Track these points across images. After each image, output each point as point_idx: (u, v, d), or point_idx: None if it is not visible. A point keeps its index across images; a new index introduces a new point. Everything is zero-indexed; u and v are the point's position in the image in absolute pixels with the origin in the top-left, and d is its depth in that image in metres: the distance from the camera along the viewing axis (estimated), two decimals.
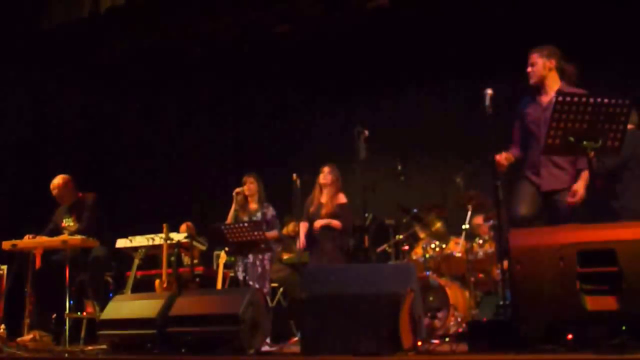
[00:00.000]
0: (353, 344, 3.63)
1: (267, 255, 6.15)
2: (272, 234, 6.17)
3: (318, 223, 6.11)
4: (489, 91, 4.29)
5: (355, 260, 6.55)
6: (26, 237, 5.75)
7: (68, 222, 6.04)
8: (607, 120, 3.62)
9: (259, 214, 6.22)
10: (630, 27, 6.54)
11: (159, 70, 8.41)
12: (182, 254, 7.16)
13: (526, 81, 4.53)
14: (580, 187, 4.23)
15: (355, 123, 5.36)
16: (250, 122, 9.07)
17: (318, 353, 3.73)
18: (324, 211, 6.15)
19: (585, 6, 6.71)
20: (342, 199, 6.19)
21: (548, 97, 4.40)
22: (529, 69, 4.47)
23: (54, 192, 6.11)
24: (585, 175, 4.21)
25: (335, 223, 6.08)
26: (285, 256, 6.97)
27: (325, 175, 6.19)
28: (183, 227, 7.15)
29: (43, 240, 5.73)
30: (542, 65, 4.42)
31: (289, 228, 6.89)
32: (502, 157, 4.36)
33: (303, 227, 6.17)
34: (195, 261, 7.12)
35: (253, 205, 6.30)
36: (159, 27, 7.73)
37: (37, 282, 5.76)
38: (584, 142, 3.64)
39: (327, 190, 6.21)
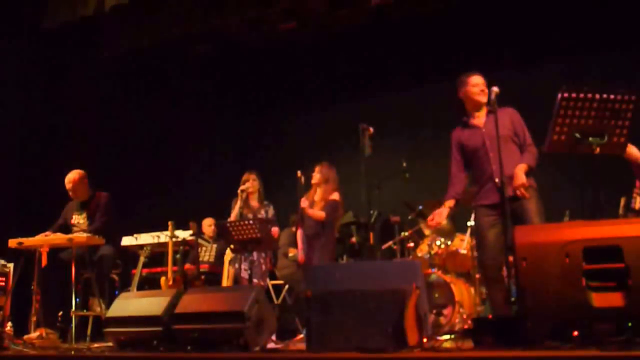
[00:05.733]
0: (358, 340, 3.63)
1: (269, 253, 6.18)
2: (275, 230, 6.19)
3: (306, 204, 6.09)
4: (495, 89, 4.29)
5: (360, 257, 6.54)
6: (41, 235, 5.74)
7: (78, 219, 6.06)
8: (612, 116, 3.62)
9: (262, 212, 6.23)
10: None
11: (164, 68, 8.42)
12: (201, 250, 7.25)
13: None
14: (519, 171, 4.25)
15: (360, 120, 5.35)
16: (254, 120, 9.08)
17: (323, 350, 3.74)
18: (315, 208, 6.14)
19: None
20: (333, 196, 6.13)
21: (481, 117, 4.57)
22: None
23: (69, 186, 6.07)
24: (522, 166, 4.27)
25: (318, 214, 6.02)
26: (291, 253, 6.98)
27: (314, 175, 6.19)
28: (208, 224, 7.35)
29: (49, 238, 5.73)
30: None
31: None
32: (434, 220, 4.58)
33: (300, 237, 6.20)
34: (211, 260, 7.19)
35: (254, 203, 6.31)
36: (164, 24, 7.73)
37: (43, 280, 5.76)
38: (590, 138, 3.65)
39: (320, 189, 6.18)
